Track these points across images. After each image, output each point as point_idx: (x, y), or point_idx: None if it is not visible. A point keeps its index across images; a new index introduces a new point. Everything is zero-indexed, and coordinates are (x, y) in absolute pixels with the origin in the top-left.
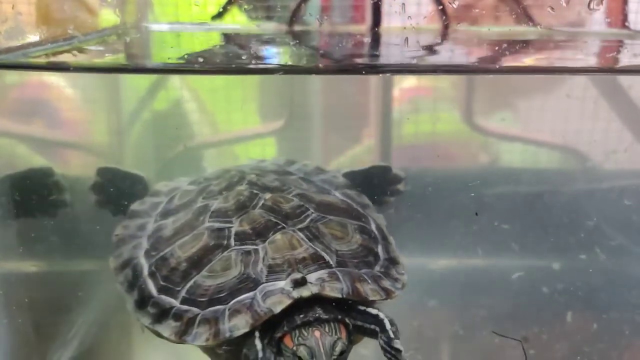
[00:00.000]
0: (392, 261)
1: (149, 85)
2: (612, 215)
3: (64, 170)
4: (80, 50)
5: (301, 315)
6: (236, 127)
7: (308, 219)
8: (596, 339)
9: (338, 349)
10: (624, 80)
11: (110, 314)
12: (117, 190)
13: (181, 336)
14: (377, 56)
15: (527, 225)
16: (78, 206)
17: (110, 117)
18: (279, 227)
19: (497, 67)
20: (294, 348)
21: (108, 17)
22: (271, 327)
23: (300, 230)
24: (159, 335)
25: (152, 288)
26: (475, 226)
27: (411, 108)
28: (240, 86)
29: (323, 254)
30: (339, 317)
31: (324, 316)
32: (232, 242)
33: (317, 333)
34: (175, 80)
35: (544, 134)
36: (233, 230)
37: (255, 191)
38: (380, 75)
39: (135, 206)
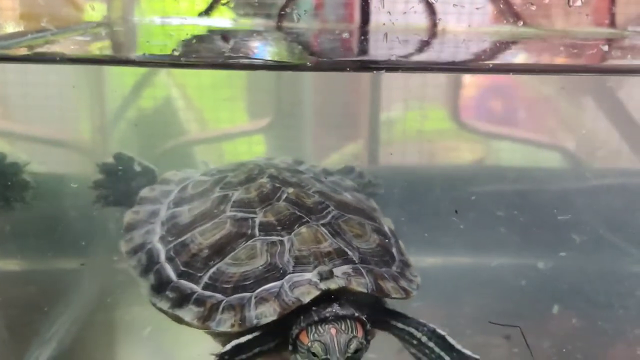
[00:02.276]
0: (406, 263)
1: (134, 83)
2: (596, 213)
3: (42, 166)
4: (53, 43)
5: (318, 312)
6: (223, 125)
7: (329, 216)
8: (580, 337)
9: (353, 346)
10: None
11: (91, 313)
12: (129, 176)
13: (204, 321)
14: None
15: (512, 222)
16: (58, 203)
17: (93, 113)
18: (304, 220)
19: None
20: (309, 344)
21: (93, 11)
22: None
23: (324, 225)
24: (178, 320)
25: (170, 273)
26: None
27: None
28: (227, 84)
29: (346, 249)
30: (356, 314)
31: (341, 312)
32: (257, 232)
33: (332, 330)
34: (161, 77)
35: None
36: (257, 221)
37: (277, 185)
38: (374, 72)
39: (145, 192)
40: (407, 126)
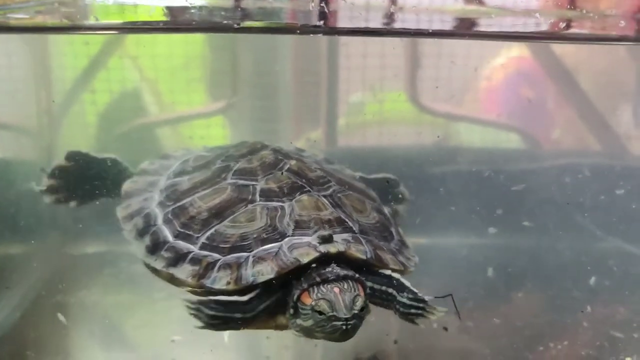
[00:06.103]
0: (404, 243)
1: (87, 64)
2: (555, 193)
3: None
4: None
5: (319, 272)
6: (180, 107)
7: (331, 189)
8: (532, 315)
9: (359, 303)
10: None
11: (35, 301)
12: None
13: (199, 279)
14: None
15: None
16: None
17: (42, 93)
18: (305, 189)
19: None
20: (313, 303)
21: None
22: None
23: (325, 196)
24: (171, 279)
25: (167, 234)
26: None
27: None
28: (185, 65)
29: (347, 220)
30: (357, 276)
31: (342, 273)
32: (257, 197)
33: (336, 289)
34: (115, 59)
35: None
36: (258, 188)
37: (279, 157)
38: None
39: (144, 165)
40: (366, 108)
